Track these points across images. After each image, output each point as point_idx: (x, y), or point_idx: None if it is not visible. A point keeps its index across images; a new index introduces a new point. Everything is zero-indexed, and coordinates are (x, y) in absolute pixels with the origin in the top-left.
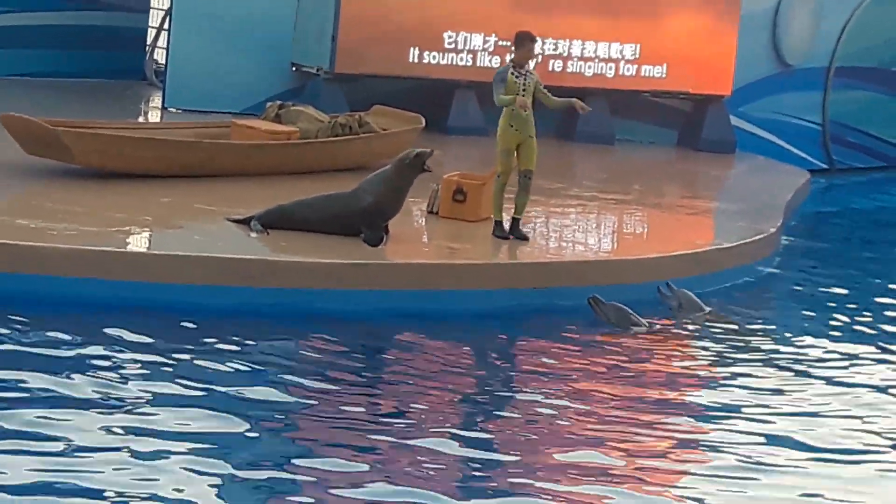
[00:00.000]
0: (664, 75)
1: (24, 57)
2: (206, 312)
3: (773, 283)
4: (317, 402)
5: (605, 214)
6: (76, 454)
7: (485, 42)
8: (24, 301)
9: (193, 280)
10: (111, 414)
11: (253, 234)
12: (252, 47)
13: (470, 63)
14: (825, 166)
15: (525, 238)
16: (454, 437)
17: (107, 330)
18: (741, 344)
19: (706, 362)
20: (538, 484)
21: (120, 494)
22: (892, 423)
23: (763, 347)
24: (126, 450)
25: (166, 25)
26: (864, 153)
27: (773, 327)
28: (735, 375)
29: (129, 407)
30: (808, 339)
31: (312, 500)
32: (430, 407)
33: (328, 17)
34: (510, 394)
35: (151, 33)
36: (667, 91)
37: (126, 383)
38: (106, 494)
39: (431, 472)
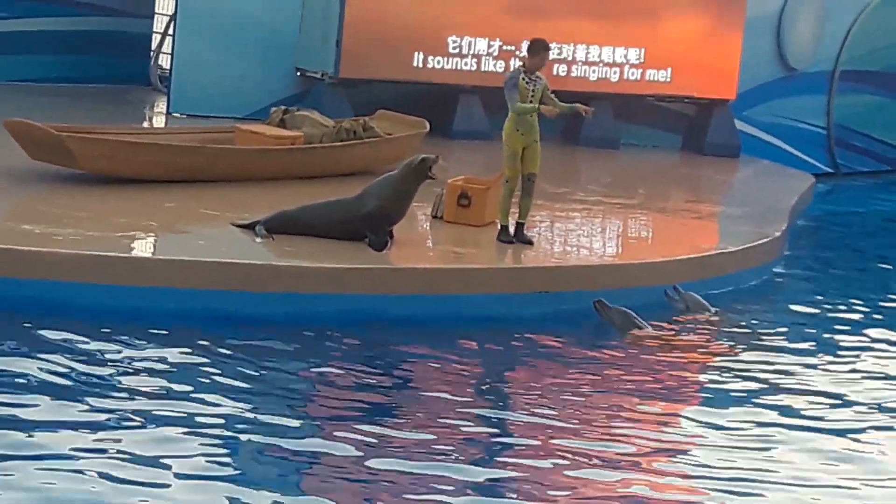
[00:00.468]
0: (669, 79)
1: (28, 62)
2: (211, 317)
3: (778, 287)
4: (322, 407)
5: (610, 218)
6: (79, 460)
7: (489, 47)
8: (29, 306)
9: (198, 285)
10: (115, 419)
11: (258, 240)
12: (256, 52)
13: (474, 68)
14: (830, 170)
15: (530, 242)
16: (459, 442)
17: (111, 335)
18: (747, 347)
19: (712, 365)
20: (544, 487)
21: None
22: None
23: (769, 350)
24: (129, 456)
25: (171, 30)
26: (868, 157)
27: (779, 330)
28: (741, 378)
29: (133, 412)
30: (814, 343)
31: None
32: (435, 412)
33: (332, 22)
34: (515, 398)
35: (156, 38)
36: (671, 95)
37: (130, 388)
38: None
39: (436, 478)
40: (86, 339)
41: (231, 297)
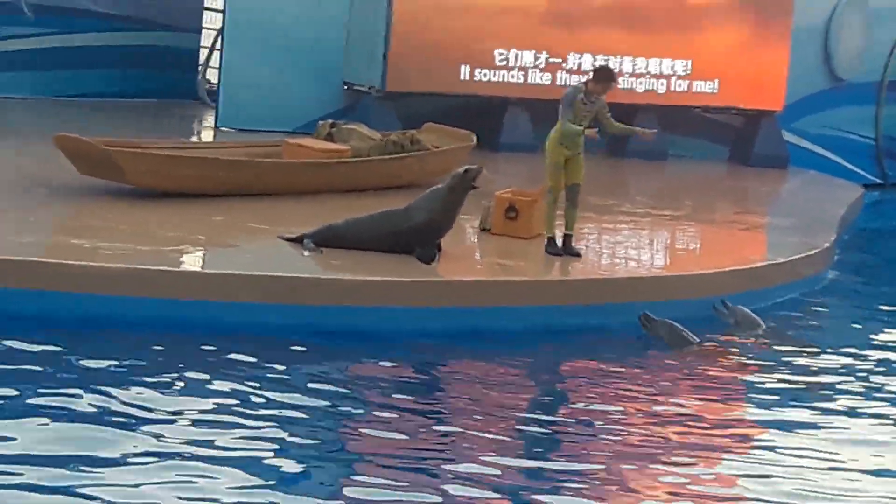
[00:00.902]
0: (716, 91)
1: (77, 77)
2: (259, 330)
3: (827, 299)
4: (368, 421)
5: (658, 230)
6: (131, 473)
7: (535, 59)
8: (79, 320)
9: (246, 298)
10: (162, 431)
11: (305, 253)
12: (304, 66)
13: (521, 80)
14: (879, 181)
15: (578, 255)
16: (505, 454)
17: (160, 349)
18: (796, 362)
19: (761, 380)
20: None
21: None
22: None
23: (820, 365)
24: (178, 467)
25: (218, 45)
26: None
27: (830, 343)
28: (792, 393)
29: (180, 424)
30: (864, 357)
31: None
32: (482, 425)
33: (379, 36)
34: (562, 411)
35: (204, 53)
36: (718, 107)
37: (177, 401)
38: None
39: (482, 491)
40: (135, 353)
41: (279, 309)
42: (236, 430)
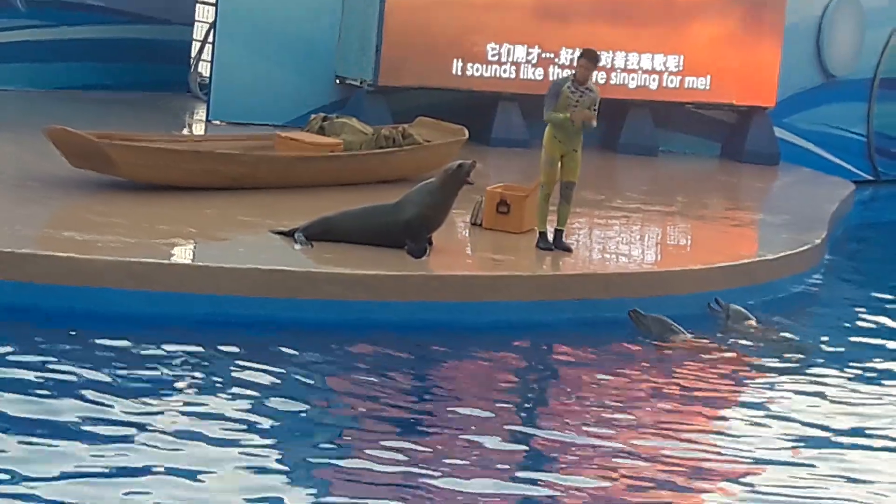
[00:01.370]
0: (708, 87)
1: (68, 70)
2: (250, 324)
3: (817, 295)
4: (359, 414)
5: (649, 226)
6: (117, 464)
7: (528, 54)
8: (69, 313)
9: (237, 292)
10: (153, 424)
11: (297, 247)
12: (296, 60)
13: (513, 75)
14: (870, 178)
15: (569, 249)
16: (493, 449)
17: (150, 341)
18: (789, 356)
19: (753, 374)
20: (577, 495)
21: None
22: None
23: (812, 360)
24: (167, 459)
25: (210, 38)
26: None
27: (821, 340)
28: (783, 388)
29: (171, 417)
30: (853, 352)
31: None
32: (470, 418)
33: (371, 30)
34: (551, 406)
35: (196, 46)
36: (710, 102)
37: (169, 394)
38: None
39: (469, 483)
40: (125, 346)
41: (270, 303)
42: (224, 423)
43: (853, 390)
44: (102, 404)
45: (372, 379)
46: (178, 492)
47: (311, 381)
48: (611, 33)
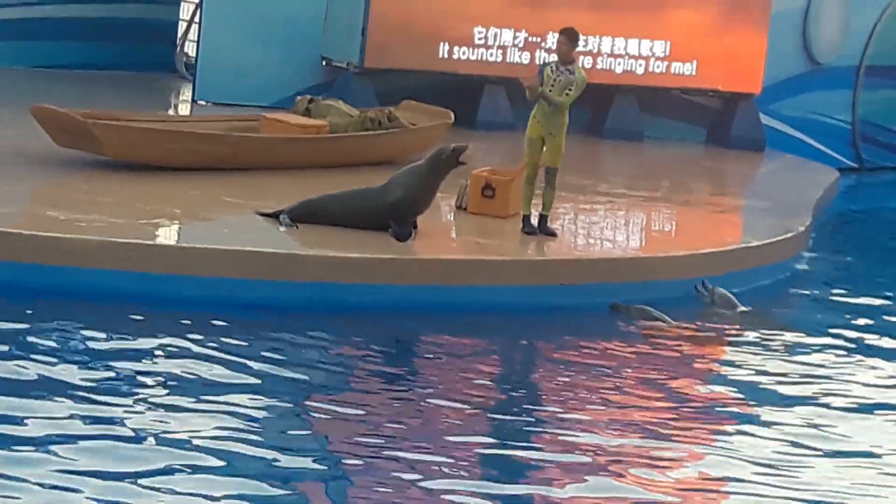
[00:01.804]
0: (694, 73)
1: (54, 48)
2: (234, 305)
3: (801, 282)
4: (342, 397)
5: (634, 211)
6: (102, 442)
7: (514, 38)
8: (52, 292)
9: (221, 273)
10: (137, 405)
11: (282, 228)
12: (282, 41)
13: (500, 59)
14: (855, 165)
15: (553, 234)
16: (477, 432)
17: (133, 322)
18: (772, 342)
19: (737, 360)
20: (562, 481)
21: (146, 485)
22: None
23: (795, 346)
24: (151, 439)
25: (197, 18)
26: (893, 152)
27: (805, 325)
28: (767, 374)
29: (155, 397)
30: (836, 339)
31: (334, 495)
32: (455, 402)
33: (358, 12)
34: (536, 391)
35: (182, 26)
36: (696, 88)
37: (152, 375)
38: (134, 484)
39: (452, 468)
40: (108, 326)
41: (254, 285)
42: (209, 405)
43: (838, 374)
44: (83, 387)
45: (354, 362)
46: (161, 477)
47: (295, 363)
48: (598, 18)
